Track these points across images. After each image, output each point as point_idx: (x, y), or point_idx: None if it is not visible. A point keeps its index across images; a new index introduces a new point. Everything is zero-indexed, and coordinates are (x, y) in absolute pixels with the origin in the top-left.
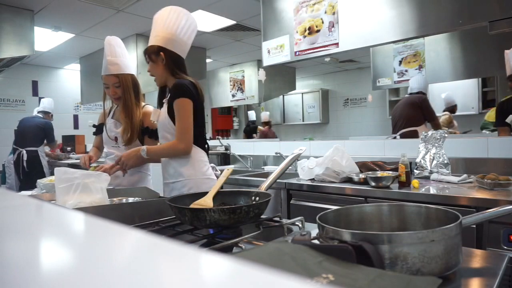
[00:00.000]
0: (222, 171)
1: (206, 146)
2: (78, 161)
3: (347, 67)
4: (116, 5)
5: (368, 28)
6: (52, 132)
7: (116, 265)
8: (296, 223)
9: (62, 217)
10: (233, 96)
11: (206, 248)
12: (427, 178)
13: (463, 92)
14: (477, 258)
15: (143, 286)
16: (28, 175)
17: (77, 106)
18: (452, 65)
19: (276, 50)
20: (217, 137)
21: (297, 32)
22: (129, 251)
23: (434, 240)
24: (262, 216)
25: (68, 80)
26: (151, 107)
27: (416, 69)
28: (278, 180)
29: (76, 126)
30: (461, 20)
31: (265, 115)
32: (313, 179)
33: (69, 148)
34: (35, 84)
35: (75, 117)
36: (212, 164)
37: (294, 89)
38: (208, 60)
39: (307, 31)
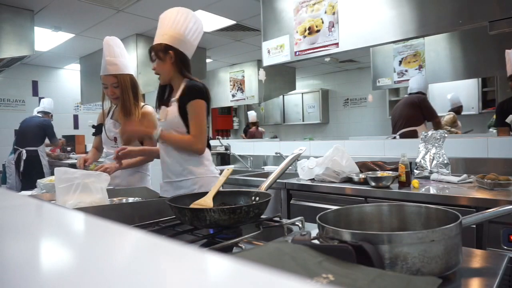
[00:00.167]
0: (222, 171)
1: (209, 145)
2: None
3: (347, 67)
4: (116, 5)
5: (368, 28)
6: (52, 129)
7: (116, 265)
8: (296, 223)
9: (62, 217)
10: (233, 96)
11: (206, 248)
12: (427, 178)
13: (463, 92)
14: (477, 258)
15: (143, 286)
16: (28, 175)
17: (77, 106)
18: (452, 65)
19: (276, 50)
20: (217, 137)
21: (297, 32)
22: (129, 251)
23: (434, 240)
24: (262, 216)
25: (68, 80)
26: (150, 107)
27: (416, 69)
28: (278, 180)
29: (76, 126)
30: (461, 20)
31: (252, 116)
32: (313, 179)
33: (69, 148)
34: (35, 84)
35: (75, 117)
36: None
37: (294, 89)
38: (208, 60)
39: (307, 31)
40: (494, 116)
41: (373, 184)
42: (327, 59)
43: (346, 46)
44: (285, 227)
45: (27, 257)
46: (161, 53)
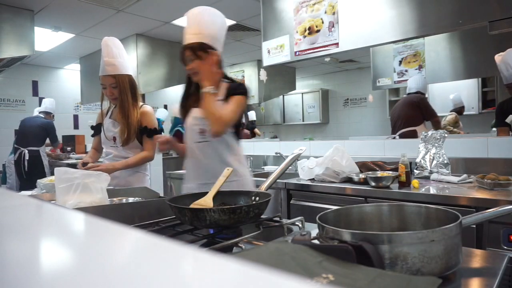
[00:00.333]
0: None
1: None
2: (78, 161)
3: (347, 67)
4: (116, 5)
5: (368, 28)
6: (55, 132)
7: (116, 265)
8: (296, 223)
9: (62, 217)
10: None
11: (206, 248)
12: (427, 178)
13: (463, 92)
14: (477, 258)
15: (143, 286)
16: (29, 175)
17: (77, 106)
18: (452, 65)
19: (276, 50)
20: None
21: (297, 32)
22: (129, 251)
23: (434, 240)
24: (262, 216)
25: (68, 80)
26: (149, 107)
27: (416, 69)
28: (278, 180)
29: (76, 126)
30: (461, 20)
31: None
32: (313, 179)
33: (69, 148)
34: (35, 84)
35: (75, 117)
36: None
37: (294, 89)
38: None
39: (307, 31)
40: None
41: (373, 184)
42: (327, 59)
43: (346, 46)
44: (285, 227)
45: (27, 257)
46: (201, 52)
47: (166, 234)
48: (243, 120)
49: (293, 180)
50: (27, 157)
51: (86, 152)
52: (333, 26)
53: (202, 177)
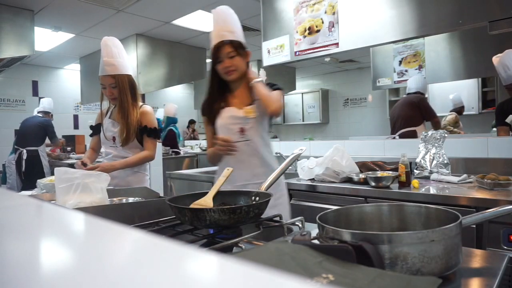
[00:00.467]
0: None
1: None
2: (78, 161)
3: (347, 67)
4: (116, 5)
5: (368, 28)
6: (53, 129)
7: (116, 265)
8: (296, 223)
9: (62, 217)
10: None
11: (206, 248)
12: (427, 178)
13: (463, 92)
14: (477, 258)
15: (143, 286)
16: (27, 175)
17: (77, 106)
18: (452, 65)
19: (276, 50)
20: None
21: (297, 32)
22: (129, 251)
23: (434, 240)
24: (262, 216)
25: (68, 80)
26: (148, 107)
27: (416, 69)
28: None
29: (76, 126)
30: (461, 20)
31: None
32: (313, 179)
33: (69, 148)
34: (35, 84)
35: (75, 117)
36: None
37: (294, 89)
38: (208, 60)
39: (307, 31)
40: None
41: (373, 184)
42: (327, 59)
43: (346, 46)
44: (285, 227)
45: (27, 257)
46: (241, 49)
47: (166, 234)
48: None
49: (293, 180)
50: (25, 157)
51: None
52: (333, 26)
53: (241, 178)
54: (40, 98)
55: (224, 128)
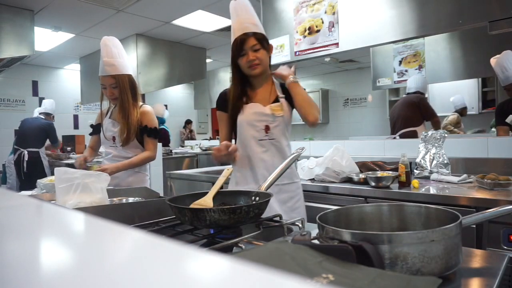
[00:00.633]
0: (222, 171)
1: None
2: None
3: (347, 67)
4: (116, 5)
5: (368, 28)
6: (55, 133)
7: (116, 265)
8: (296, 223)
9: (62, 217)
10: None
11: (206, 248)
12: (427, 178)
13: (463, 92)
14: (477, 258)
15: (143, 286)
16: (28, 176)
17: (77, 106)
18: (452, 65)
19: (276, 50)
20: (217, 137)
21: (297, 32)
22: (129, 251)
23: (434, 240)
24: (262, 216)
25: (68, 80)
26: (148, 107)
27: (416, 69)
28: None
29: (76, 126)
30: (461, 20)
31: None
32: (313, 179)
33: (69, 148)
34: (35, 84)
35: (75, 117)
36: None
37: None
38: (208, 60)
39: (307, 31)
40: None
41: (373, 184)
42: (327, 59)
43: (346, 46)
44: (285, 227)
45: (27, 257)
46: (266, 42)
47: (166, 234)
48: None
49: None
50: (26, 158)
51: None
52: (333, 26)
53: (263, 177)
54: (40, 98)
55: (248, 124)
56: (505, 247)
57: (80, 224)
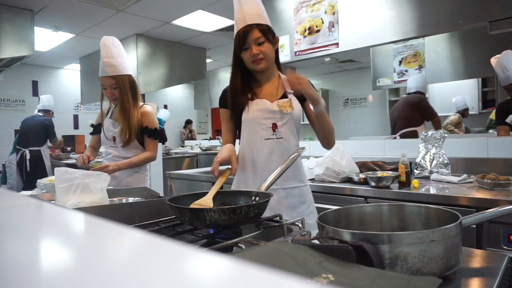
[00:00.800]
0: (222, 171)
1: None
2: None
3: (347, 67)
4: (116, 5)
5: (368, 28)
6: (53, 128)
7: (116, 265)
8: (296, 223)
9: (62, 217)
10: None
11: (206, 248)
12: (427, 178)
13: (463, 92)
14: (477, 258)
15: (143, 286)
16: (30, 175)
17: (77, 106)
18: (452, 65)
19: None
20: (217, 137)
21: (297, 32)
22: (129, 251)
23: (434, 240)
24: (262, 216)
25: (68, 80)
26: (149, 107)
27: (416, 69)
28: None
29: (76, 126)
30: (461, 20)
31: None
32: (313, 179)
33: (69, 148)
34: (35, 84)
35: (75, 117)
36: None
37: None
38: (208, 60)
39: (307, 31)
40: (490, 117)
41: (373, 184)
42: (327, 59)
43: (346, 46)
44: (285, 227)
45: (27, 257)
46: (271, 35)
47: (166, 234)
48: None
49: None
50: (28, 157)
51: None
52: (333, 26)
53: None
54: (39, 96)
55: (253, 122)
56: (505, 247)
57: (80, 224)
